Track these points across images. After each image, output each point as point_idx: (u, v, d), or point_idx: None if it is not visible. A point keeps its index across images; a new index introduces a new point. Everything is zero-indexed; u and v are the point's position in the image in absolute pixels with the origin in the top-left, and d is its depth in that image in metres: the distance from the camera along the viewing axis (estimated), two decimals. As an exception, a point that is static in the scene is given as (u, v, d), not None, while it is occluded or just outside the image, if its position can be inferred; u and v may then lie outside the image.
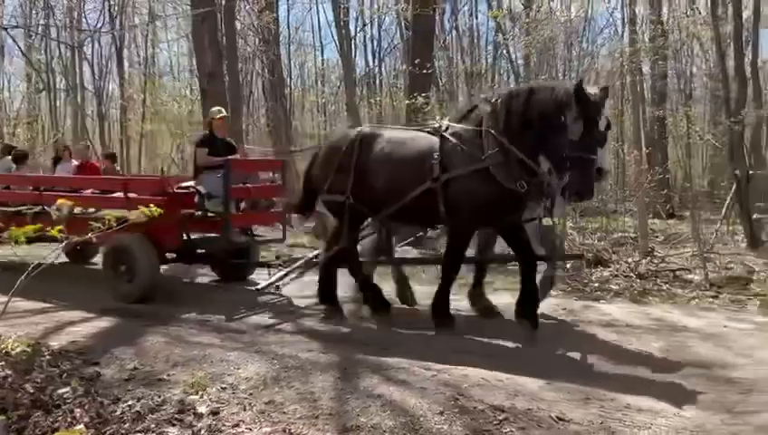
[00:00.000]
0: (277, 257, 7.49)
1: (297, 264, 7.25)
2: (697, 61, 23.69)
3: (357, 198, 5.82)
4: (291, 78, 27.20)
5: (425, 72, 11.91)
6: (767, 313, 6.42)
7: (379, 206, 5.77)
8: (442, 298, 5.68)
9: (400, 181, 5.58)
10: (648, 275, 8.36)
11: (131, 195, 7.13)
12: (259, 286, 7.10)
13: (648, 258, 9.53)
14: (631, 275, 8.44)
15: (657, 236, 11.93)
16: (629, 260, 9.20)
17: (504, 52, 20.02)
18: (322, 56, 27.99)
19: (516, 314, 5.51)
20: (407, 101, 12.77)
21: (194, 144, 7.83)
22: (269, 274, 7.26)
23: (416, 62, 12.01)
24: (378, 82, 25.68)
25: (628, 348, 5.00)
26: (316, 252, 7.40)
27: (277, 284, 7.15)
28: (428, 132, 5.73)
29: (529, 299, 5.48)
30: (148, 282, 6.85)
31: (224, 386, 4.18)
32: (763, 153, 16.95)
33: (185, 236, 7.18)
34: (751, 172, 12.04)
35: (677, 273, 8.44)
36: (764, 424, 3.46)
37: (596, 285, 7.85)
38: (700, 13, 18.30)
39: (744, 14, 14.40)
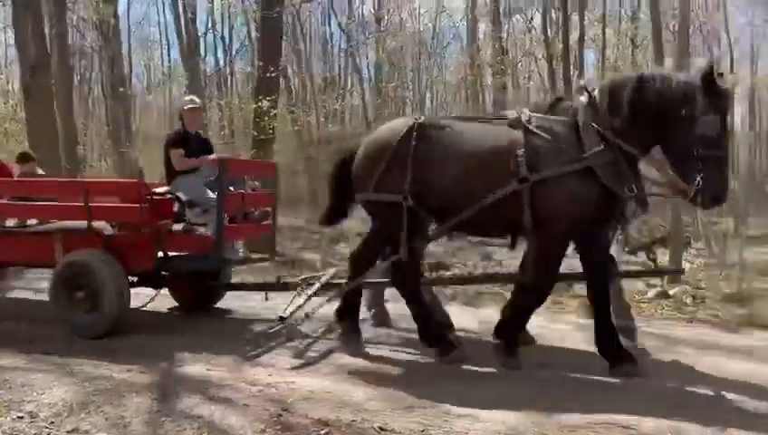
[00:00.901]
0: (278, 279, 6.29)
1: (322, 282, 5.77)
2: (535, 76, 25.42)
3: (416, 198, 4.81)
4: (133, 76, 25.77)
5: (270, 74, 11.66)
6: (584, 314, 6.88)
7: (443, 210, 4.82)
8: (516, 327, 4.84)
9: (473, 182, 4.65)
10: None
11: (96, 202, 5.71)
12: (284, 313, 5.44)
13: (486, 262, 10.01)
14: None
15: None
16: (468, 263, 9.59)
17: (354, 60, 20.19)
18: (169, 54, 26.77)
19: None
20: (253, 105, 12.45)
21: (166, 144, 6.32)
22: (266, 297, 6.05)
23: (261, 64, 11.75)
24: (228, 83, 24.99)
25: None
26: (332, 271, 6.35)
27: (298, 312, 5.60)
28: (504, 124, 4.81)
29: (607, 331, 4.74)
30: (116, 311, 5.49)
31: (20, 414, 3.75)
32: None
33: (160, 254, 5.71)
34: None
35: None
36: (571, 423, 3.65)
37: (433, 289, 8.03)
38: (536, 31, 19.59)
39: (574, 37, 15.61)
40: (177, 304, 6.82)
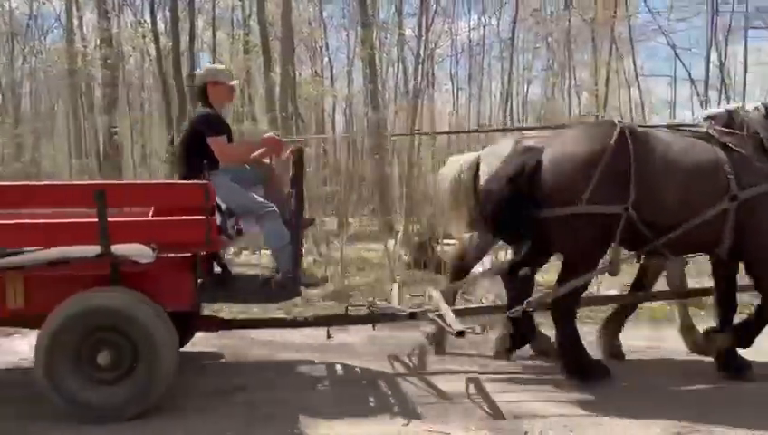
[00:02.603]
0: (346, 309, 4.93)
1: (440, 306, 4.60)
2: (149, 74, 24.34)
3: (641, 212, 4.34)
4: None
5: None
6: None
7: (661, 227, 4.41)
8: None
9: (689, 197, 4.40)
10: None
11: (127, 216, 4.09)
12: (459, 328, 4.19)
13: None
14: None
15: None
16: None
17: None
18: None
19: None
20: None
21: (195, 129, 4.61)
22: (327, 334, 4.83)
23: None
24: None
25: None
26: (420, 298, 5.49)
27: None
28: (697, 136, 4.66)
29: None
30: (167, 378, 3.77)
31: None
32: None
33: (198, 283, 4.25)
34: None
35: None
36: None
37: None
38: (146, 24, 18.75)
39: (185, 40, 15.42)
40: None
